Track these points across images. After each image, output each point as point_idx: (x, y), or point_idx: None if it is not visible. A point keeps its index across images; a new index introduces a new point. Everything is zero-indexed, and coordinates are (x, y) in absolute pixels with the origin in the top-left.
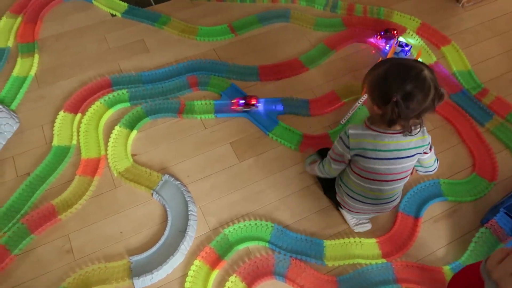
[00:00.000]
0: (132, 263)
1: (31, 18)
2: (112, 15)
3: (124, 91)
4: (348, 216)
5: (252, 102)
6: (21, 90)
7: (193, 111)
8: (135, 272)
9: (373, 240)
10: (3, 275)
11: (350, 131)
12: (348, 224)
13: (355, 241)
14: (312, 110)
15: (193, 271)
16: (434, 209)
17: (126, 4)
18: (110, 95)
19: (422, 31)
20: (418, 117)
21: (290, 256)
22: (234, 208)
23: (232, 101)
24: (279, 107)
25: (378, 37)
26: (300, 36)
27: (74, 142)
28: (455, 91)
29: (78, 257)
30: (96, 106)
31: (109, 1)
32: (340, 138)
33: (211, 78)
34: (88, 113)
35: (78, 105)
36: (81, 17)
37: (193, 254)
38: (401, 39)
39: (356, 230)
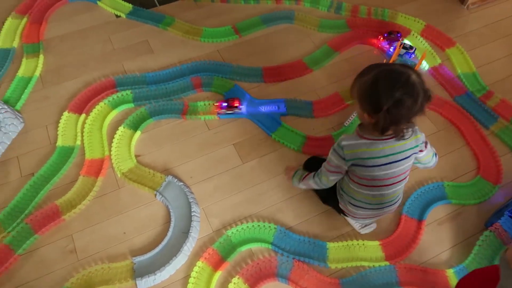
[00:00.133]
0: (135, 263)
1: (36, 18)
2: (117, 16)
3: (128, 92)
4: (352, 221)
5: (235, 105)
6: (26, 90)
7: (197, 112)
8: (138, 272)
9: (376, 243)
10: (7, 275)
11: (343, 143)
12: (353, 227)
13: (358, 244)
14: (315, 112)
15: (196, 272)
16: (438, 212)
17: (130, 5)
18: (114, 96)
19: (426, 33)
20: (409, 121)
21: (293, 258)
22: (237, 210)
23: (215, 104)
24: (282, 109)
25: (382, 38)
26: (304, 38)
27: (78, 142)
28: (459, 93)
29: (82, 257)
30: (100, 106)
31: (113, 2)
32: (334, 150)
33: (214, 79)
34: (92, 114)
35: (82, 106)
36: (86, 18)
37: (196, 255)
38: (405, 41)
39: (362, 232)
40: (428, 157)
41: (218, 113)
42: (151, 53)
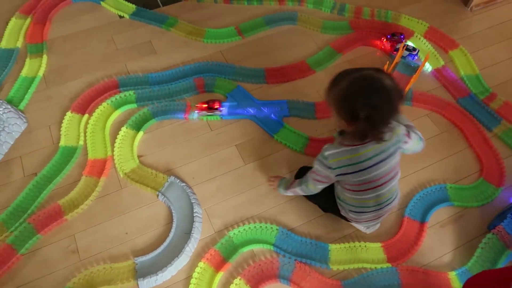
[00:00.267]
0: (137, 264)
1: (40, 19)
2: (120, 17)
3: (131, 92)
4: (356, 224)
5: (215, 107)
6: (29, 90)
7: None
8: (140, 273)
9: (378, 245)
10: (9, 274)
11: (327, 153)
12: (357, 228)
13: (360, 245)
14: (318, 113)
15: (198, 273)
16: (440, 214)
17: (134, 6)
18: (117, 96)
19: (430, 35)
20: (386, 124)
21: (295, 260)
22: (239, 211)
23: (197, 105)
24: (285, 110)
25: (385, 40)
26: (307, 39)
27: (81, 142)
28: (462, 95)
29: (84, 257)
30: (103, 107)
31: (117, 2)
32: (319, 161)
33: (217, 80)
34: (95, 114)
35: (85, 106)
36: (89, 18)
37: (197, 256)
38: (408, 42)
39: (368, 232)
40: (414, 145)
41: (198, 113)
42: (154, 53)
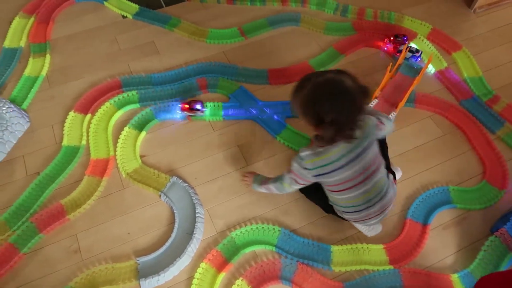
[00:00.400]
0: (139, 264)
1: (44, 18)
2: (123, 17)
3: (134, 92)
4: (357, 224)
5: (197, 107)
6: (32, 89)
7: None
8: (142, 273)
9: (380, 246)
10: (11, 274)
11: (302, 154)
12: (359, 230)
13: (362, 247)
14: None
15: (200, 273)
16: (442, 216)
17: (137, 6)
18: (120, 96)
19: (433, 37)
20: (354, 125)
21: (297, 261)
22: (242, 211)
23: (179, 105)
24: (287, 111)
25: (388, 42)
26: (310, 40)
27: (84, 142)
28: (466, 97)
29: (86, 257)
30: (106, 107)
31: (120, 2)
32: (297, 162)
33: (220, 80)
34: (97, 114)
35: (88, 106)
36: (92, 18)
37: (199, 257)
38: (411, 44)
39: (369, 235)
40: (387, 129)
41: (181, 113)
42: (157, 54)
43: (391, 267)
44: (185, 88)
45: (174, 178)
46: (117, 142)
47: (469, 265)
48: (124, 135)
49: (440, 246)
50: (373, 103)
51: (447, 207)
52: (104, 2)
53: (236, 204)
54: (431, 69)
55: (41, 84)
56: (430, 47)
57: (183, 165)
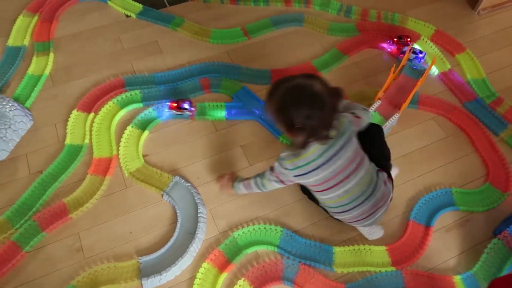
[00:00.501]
0: (141, 263)
1: (47, 17)
2: (127, 16)
3: (137, 91)
4: (359, 227)
5: (185, 106)
6: (35, 88)
7: (205, 113)
8: (144, 272)
9: (383, 248)
10: (13, 272)
11: (282, 155)
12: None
13: (364, 248)
14: None
15: (202, 273)
16: (445, 218)
17: (140, 5)
18: (123, 95)
19: (436, 38)
20: (327, 126)
21: (299, 262)
22: (244, 212)
23: (167, 103)
24: None
25: (392, 43)
26: (313, 41)
27: (87, 141)
28: (469, 99)
29: (88, 256)
30: (109, 106)
31: (124, 1)
32: (278, 162)
33: (223, 80)
34: (100, 113)
35: (91, 105)
36: (96, 17)
37: (201, 257)
38: (415, 45)
39: (370, 239)
40: (366, 120)
41: (168, 112)
42: (160, 53)
43: (394, 268)
44: (188, 88)
45: (177, 178)
46: (120, 141)
47: (472, 267)
48: (127, 134)
49: (442, 248)
50: (376, 104)
51: (450, 209)
52: (108, 1)
53: (238, 204)
54: (434, 70)
55: (45, 82)
56: (433, 49)
57: (186, 165)
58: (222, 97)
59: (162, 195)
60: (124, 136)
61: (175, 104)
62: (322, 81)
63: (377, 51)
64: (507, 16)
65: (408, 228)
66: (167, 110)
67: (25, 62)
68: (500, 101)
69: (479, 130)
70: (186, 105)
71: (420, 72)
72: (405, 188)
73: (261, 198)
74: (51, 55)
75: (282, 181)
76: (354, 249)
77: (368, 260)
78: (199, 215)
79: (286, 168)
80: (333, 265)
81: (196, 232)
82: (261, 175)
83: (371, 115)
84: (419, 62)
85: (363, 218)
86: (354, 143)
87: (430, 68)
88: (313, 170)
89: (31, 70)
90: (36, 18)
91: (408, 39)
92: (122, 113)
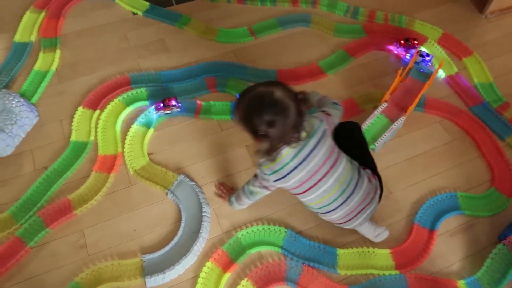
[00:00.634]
0: (144, 261)
1: (54, 13)
2: (134, 14)
3: (143, 89)
4: (363, 230)
5: (172, 103)
6: (42, 84)
7: (210, 112)
8: (148, 270)
9: (387, 251)
10: (18, 267)
11: (260, 161)
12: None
13: (368, 251)
14: None
15: (205, 272)
16: (450, 223)
17: (147, 3)
18: (129, 93)
19: (443, 41)
20: (295, 130)
21: (303, 263)
22: (248, 212)
23: (153, 106)
24: None
25: (399, 45)
26: (320, 41)
27: (92, 138)
28: (475, 103)
29: (92, 252)
30: (115, 103)
31: None
32: (259, 170)
33: (229, 80)
34: (106, 110)
35: (97, 102)
36: (103, 14)
37: (205, 256)
38: (422, 48)
39: (376, 241)
40: (337, 116)
41: (157, 113)
42: (167, 51)
43: (397, 272)
44: (194, 87)
45: (182, 177)
46: (125, 139)
47: (476, 272)
48: (132, 132)
49: (447, 252)
50: (382, 107)
51: (455, 213)
52: None
53: None
54: (441, 74)
55: (51, 79)
56: (440, 52)
57: (191, 164)
58: (227, 96)
59: (167, 193)
60: (130, 133)
61: (161, 105)
62: (284, 87)
63: (384, 53)
64: None
65: (412, 232)
66: (155, 112)
67: (32, 58)
68: (507, 105)
69: (485, 135)
70: (173, 102)
71: (427, 75)
72: (410, 191)
73: (265, 198)
74: (58, 51)
75: (266, 187)
76: (358, 252)
77: (372, 263)
78: (203, 214)
79: (265, 174)
80: (337, 267)
81: (200, 231)
82: (247, 183)
83: (342, 108)
84: (426, 65)
85: (351, 218)
86: (328, 142)
87: (437, 71)
88: (290, 172)
89: (37, 66)
90: (43, 14)
91: (415, 42)
92: (128, 110)
